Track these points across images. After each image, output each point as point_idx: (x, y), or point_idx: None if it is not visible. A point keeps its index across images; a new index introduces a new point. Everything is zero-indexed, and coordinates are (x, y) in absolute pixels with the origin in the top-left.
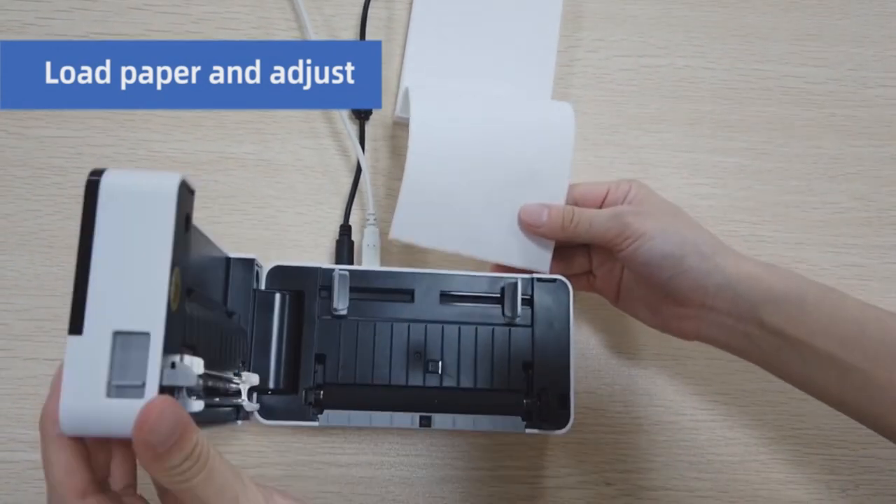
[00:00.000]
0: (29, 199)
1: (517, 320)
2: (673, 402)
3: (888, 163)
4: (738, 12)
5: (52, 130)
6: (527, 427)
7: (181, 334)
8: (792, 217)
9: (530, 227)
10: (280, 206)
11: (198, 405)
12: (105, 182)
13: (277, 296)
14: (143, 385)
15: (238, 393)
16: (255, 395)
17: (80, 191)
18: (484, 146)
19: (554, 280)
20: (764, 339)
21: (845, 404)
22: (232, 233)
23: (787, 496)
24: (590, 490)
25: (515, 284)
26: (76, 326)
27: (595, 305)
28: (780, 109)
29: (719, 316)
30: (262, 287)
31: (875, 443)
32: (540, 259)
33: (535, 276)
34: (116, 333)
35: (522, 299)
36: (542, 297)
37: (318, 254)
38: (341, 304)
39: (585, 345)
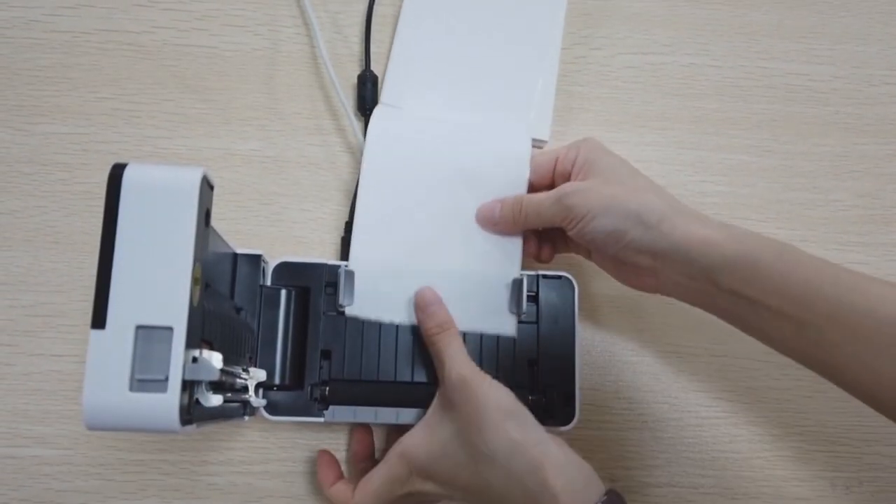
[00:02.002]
0: (35, 196)
1: (522, 317)
2: (677, 399)
3: (893, 160)
4: (743, 10)
5: (57, 127)
6: None
7: (200, 329)
8: (797, 214)
9: (486, 223)
10: (285, 202)
11: (216, 399)
12: (128, 176)
13: (283, 292)
14: (167, 379)
15: (245, 388)
16: (261, 391)
17: (86, 187)
18: (436, 197)
19: (559, 277)
20: (719, 296)
21: (802, 356)
22: (237, 229)
23: (790, 493)
24: None
25: (521, 281)
26: (99, 320)
27: (600, 303)
28: (785, 107)
29: (673, 275)
30: (269, 283)
31: (879, 440)
32: (501, 320)
33: (541, 272)
34: (139, 328)
35: (528, 296)
36: (547, 293)
37: (323, 250)
38: (347, 300)
39: (590, 341)
